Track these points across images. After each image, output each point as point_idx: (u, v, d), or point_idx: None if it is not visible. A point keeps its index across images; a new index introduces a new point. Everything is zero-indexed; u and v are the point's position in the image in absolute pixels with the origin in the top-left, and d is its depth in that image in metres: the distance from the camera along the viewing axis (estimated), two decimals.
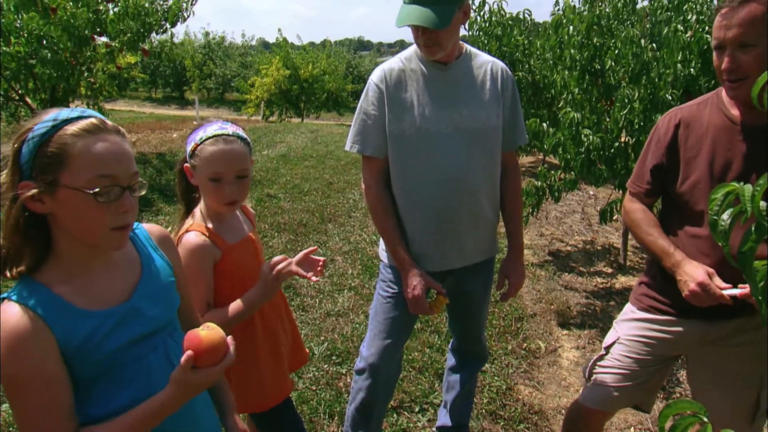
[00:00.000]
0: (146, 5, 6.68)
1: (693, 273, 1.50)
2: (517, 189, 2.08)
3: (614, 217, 4.04)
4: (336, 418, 2.55)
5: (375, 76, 1.88)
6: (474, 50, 1.95)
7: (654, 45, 3.60)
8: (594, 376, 1.85)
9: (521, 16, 6.13)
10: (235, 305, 1.46)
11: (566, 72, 4.07)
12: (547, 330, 3.52)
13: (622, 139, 3.63)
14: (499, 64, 1.94)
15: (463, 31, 1.92)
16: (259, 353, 1.63)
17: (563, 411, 2.67)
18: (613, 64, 3.76)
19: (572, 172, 3.73)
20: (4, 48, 5.75)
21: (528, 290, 4.13)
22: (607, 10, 3.84)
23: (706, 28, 3.23)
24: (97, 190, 0.97)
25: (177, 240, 1.47)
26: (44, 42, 5.81)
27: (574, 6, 4.05)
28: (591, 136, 3.46)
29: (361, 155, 1.91)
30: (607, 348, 1.84)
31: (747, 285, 1.41)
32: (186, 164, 1.51)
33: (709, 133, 1.58)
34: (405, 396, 2.72)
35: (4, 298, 0.98)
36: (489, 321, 3.46)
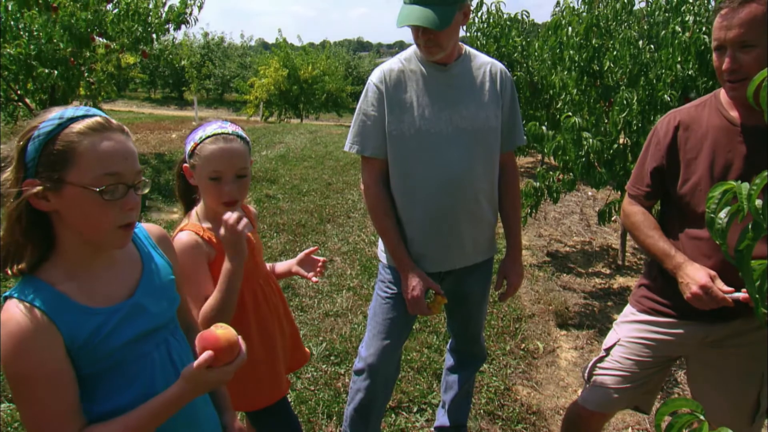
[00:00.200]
0: (150, 6, 6.68)
1: (695, 275, 1.50)
2: (515, 189, 2.08)
3: (612, 218, 4.05)
4: (334, 418, 2.55)
5: (374, 77, 1.88)
6: (473, 51, 1.96)
7: (652, 46, 3.61)
8: (594, 377, 1.85)
9: (519, 17, 6.14)
10: (218, 284, 1.43)
11: (565, 73, 4.08)
12: (546, 330, 3.53)
13: (621, 141, 3.64)
14: (498, 65, 1.95)
15: (461, 32, 1.93)
16: (253, 352, 1.63)
17: (561, 411, 2.68)
18: (611, 65, 3.77)
19: (571, 173, 3.73)
20: (6, 49, 5.75)
21: (526, 291, 4.13)
22: (606, 11, 3.85)
23: (704, 29, 3.24)
24: (103, 187, 0.98)
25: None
26: (44, 42, 5.81)
27: (573, 7, 4.06)
28: (590, 140, 3.47)
29: (360, 156, 1.92)
30: (607, 349, 1.83)
31: None
32: (185, 164, 1.51)
33: (709, 135, 1.58)
34: (403, 396, 2.73)
35: (7, 296, 0.98)
36: (487, 321, 3.47)
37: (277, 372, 1.71)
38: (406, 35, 1.95)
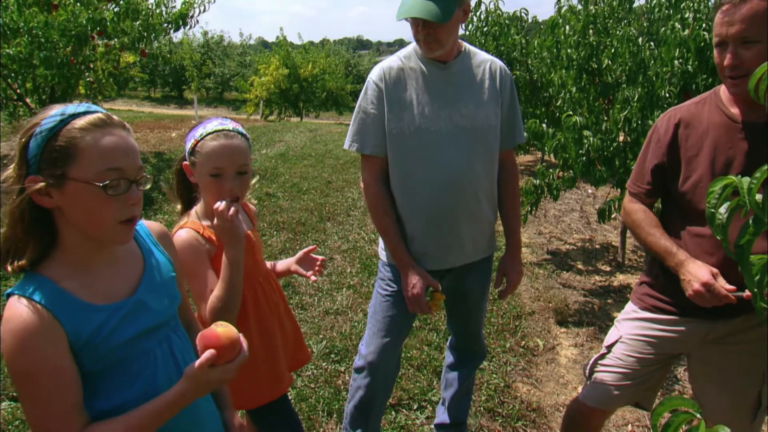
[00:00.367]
0: (150, 6, 6.68)
1: (697, 273, 1.50)
2: (514, 187, 2.08)
3: (612, 216, 4.05)
4: (335, 415, 2.55)
5: (374, 75, 1.88)
6: (473, 49, 1.95)
7: (652, 43, 3.61)
8: (595, 374, 1.85)
9: (518, 15, 6.13)
10: (221, 275, 1.43)
11: (563, 71, 4.08)
12: (546, 328, 3.53)
13: (620, 139, 3.64)
14: (498, 63, 1.95)
15: (461, 31, 1.93)
16: (253, 350, 1.62)
17: (561, 408, 2.68)
18: (609, 62, 3.77)
19: (571, 171, 3.73)
20: (6, 49, 5.74)
21: (526, 288, 4.14)
22: (603, 8, 3.85)
23: (704, 25, 3.23)
24: (106, 182, 0.98)
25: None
26: (44, 41, 5.81)
27: (573, 5, 4.06)
28: (591, 138, 3.47)
29: (360, 154, 1.91)
30: (609, 347, 1.84)
31: None
32: (185, 162, 1.51)
33: (710, 132, 1.58)
34: (403, 393, 2.73)
35: (10, 294, 0.98)
36: (487, 319, 3.47)
37: (278, 370, 1.71)
38: (406, 33, 1.94)
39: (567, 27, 3.95)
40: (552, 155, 3.76)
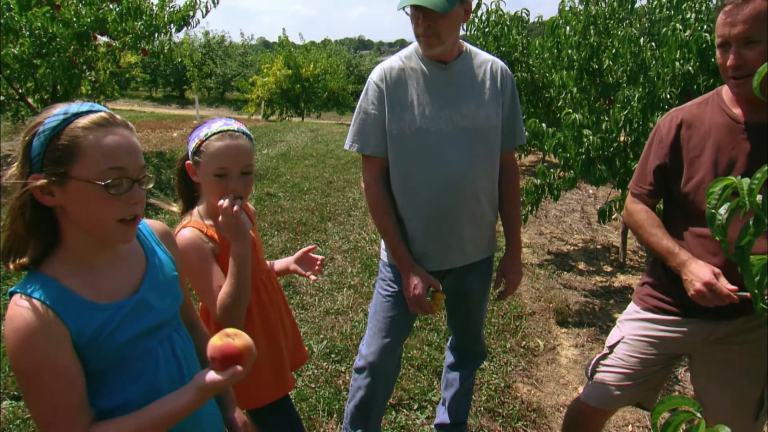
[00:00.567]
0: (153, 6, 6.69)
1: (699, 272, 1.50)
2: (515, 188, 2.08)
3: (613, 216, 4.05)
4: (335, 415, 2.55)
5: (375, 75, 1.88)
6: (474, 49, 1.95)
7: (653, 44, 3.61)
8: (596, 374, 1.85)
9: (519, 15, 6.13)
10: (230, 271, 1.43)
11: (564, 71, 4.08)
12: (546, 328, 3.53)
13: (621, 139, 3.64)
14: (499, 63, 1.95)
15: (461, 31, 1.92)
16: (258, 349, 1.63)
17: (561, 409, 2.68)
18: (610, 63, 3.77)
19: (571, 170, 3.73)
20: (11, 49, 5.75)
21: (527, 288, 4.13)
22: (604, 9, 3.85)
23: (705, 26, 3.23)
24: (108, 181, 0.98)
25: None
26: (47, 41, 5.81)
27: (572, 5, 4.06)
28: (591, 137, 3.47)
29: (360, 154, 1.92)
30: (611, 347, 1.84)
31: None
32: (188, 161, 1.52)
33: (712, 133, 1.58)
34: (404, 393, 2.73)
35: (13, 292, 0.98)
36: (488, 319, 3.47)
37: (281, 369, 1.71)
38: (407, 34, 1.94)
39: (567, 28, 3.95)
40: (552, 155, 3.76)
